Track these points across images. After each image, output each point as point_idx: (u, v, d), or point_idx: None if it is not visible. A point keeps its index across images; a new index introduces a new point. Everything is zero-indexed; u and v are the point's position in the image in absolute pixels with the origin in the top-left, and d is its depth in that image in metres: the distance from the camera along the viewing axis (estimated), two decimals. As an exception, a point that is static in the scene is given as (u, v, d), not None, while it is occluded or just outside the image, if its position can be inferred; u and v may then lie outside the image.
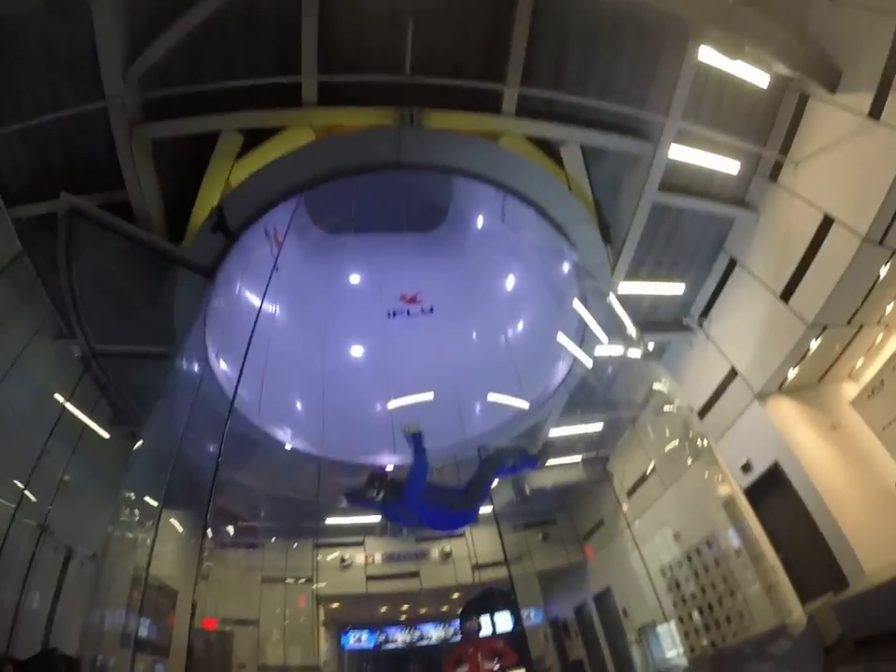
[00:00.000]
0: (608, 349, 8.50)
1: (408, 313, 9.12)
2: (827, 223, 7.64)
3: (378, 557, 13.02)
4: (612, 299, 8.00)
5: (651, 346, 9.48)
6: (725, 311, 9.69)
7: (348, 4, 6.62)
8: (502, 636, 10.45)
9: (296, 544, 12.07)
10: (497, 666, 6.60)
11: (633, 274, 9.08)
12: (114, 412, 9.57)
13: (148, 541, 6.45)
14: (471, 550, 12.02)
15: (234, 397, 6.76)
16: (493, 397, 9.68)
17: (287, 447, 9.83)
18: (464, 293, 9.31)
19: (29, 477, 7.56)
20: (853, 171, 7.23)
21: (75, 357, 8.42)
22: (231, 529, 10.65)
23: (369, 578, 12.72)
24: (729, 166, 8.19)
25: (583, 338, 8.67)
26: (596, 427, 11.11)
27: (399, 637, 13.43)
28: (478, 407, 9.99)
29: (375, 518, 12.25)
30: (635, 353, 8.11)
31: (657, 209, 8.32)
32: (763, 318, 8.90)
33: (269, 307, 8.34)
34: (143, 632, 6.49)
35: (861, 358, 9.56)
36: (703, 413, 10.16)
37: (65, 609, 7.91)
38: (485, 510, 10.05)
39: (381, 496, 4.56)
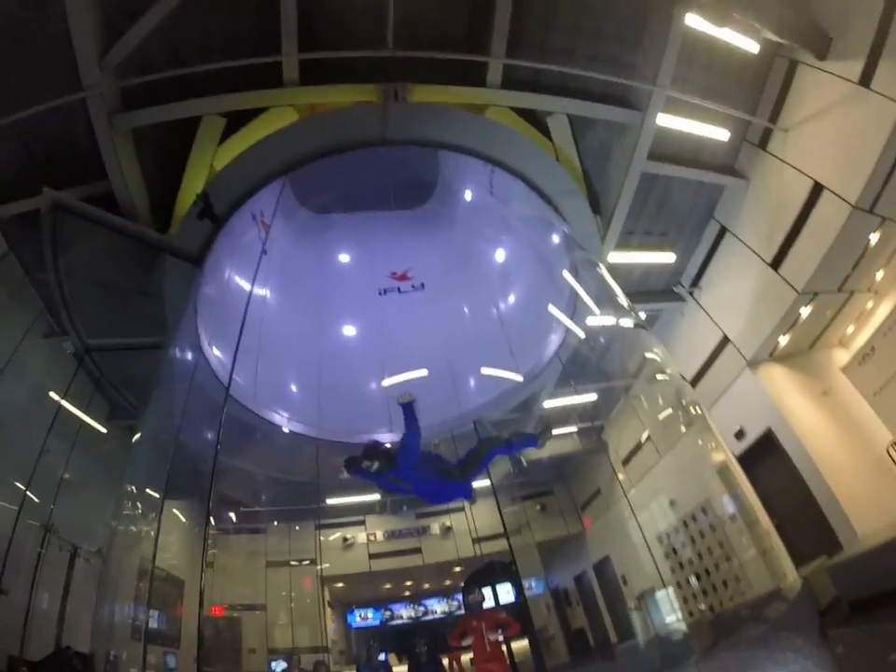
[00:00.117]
0: (599, 319, 8.47)
1: (399, 290, 9.09)
2: (817, 190, 7.64)
3: (380, 535, 13.20)
4: (603, 269, 7.96)
5: (642, 316, 9.52)
6: (716, 279, 9.72)
7: (327, -22, 6.47)
8: (505, 607, 10.64)
9: (298, 527, 12.20)
10: (501, 637, 6.69)
11: (623, 244, 9.04)
12: (110, 406, 9.55)
13: (152, 533, 6.46)
14: (471, 523, 12.12)
15: (230, 383, 6.75)
16: (487, 370, 9.73)
17: (285, 430, 9.85)
18: (455, 268, 9.28)
19: (30, 477, 7.55)
20: (843, 138, 7.21)
21: (68, 354, 8.37)
22: (233, 516, 10.69)
23: (371, 556, 12.89)
24: (718, 134, 8.14)
25: (575, 309, 8.70)
26: (590, 397, 11.12)
27: (405, 613, 13.62)
28: (472, 381, 10.05)
29: (375, 496, 12.37)
30: (626, 322, 8.09)
31: (646, 178, 8.28)
32: (753, 286, 8.94)
33: (260, 291, 8.28)
34: (153, 623, 6.52)
35: (852, 325, 9.68)
36: (695, 381, 10.25)
37: (75, 607, 7.97)
38: (484, 483, 10.16)
39: (376, 466, 4.57)
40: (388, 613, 13.58)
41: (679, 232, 9.56)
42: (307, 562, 11.94)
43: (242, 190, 7.18)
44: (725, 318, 9.69)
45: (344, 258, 9.57)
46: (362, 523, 13.21)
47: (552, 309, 8.95)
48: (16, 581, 7.00)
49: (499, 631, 6.60)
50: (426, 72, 7.01)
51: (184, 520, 8.82)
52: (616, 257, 9.03)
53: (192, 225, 6.98)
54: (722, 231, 9.42)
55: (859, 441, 8.79)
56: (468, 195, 8.91)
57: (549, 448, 11.82)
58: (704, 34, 7.01)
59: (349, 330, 9.91)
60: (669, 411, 8.92)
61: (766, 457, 9.05)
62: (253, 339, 6.88)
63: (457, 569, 13.25)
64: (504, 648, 7.04)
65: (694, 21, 6.83)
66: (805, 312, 8.74)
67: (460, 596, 13.13)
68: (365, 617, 13.60)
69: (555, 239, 8.56)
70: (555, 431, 11.38)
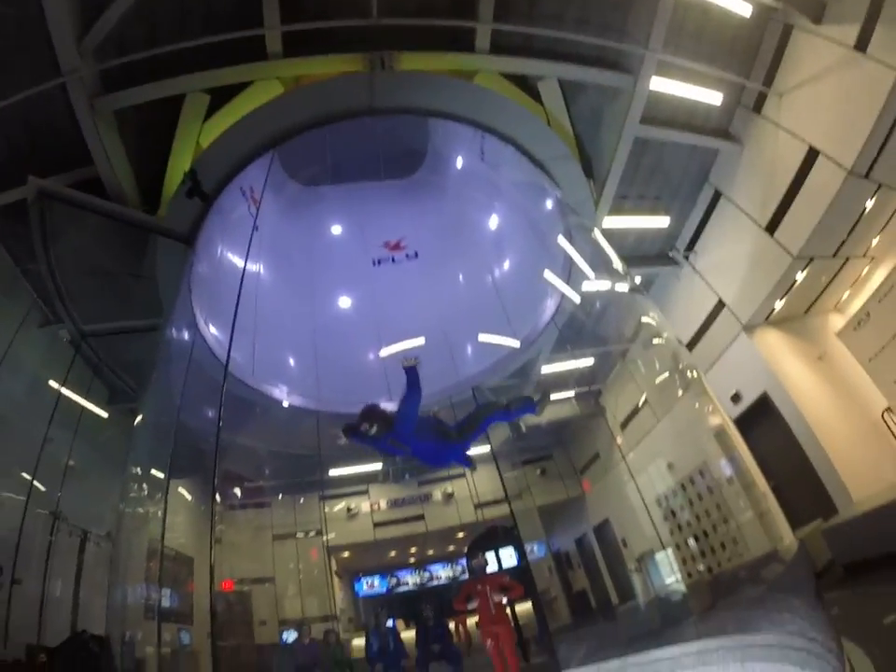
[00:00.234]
0: (595, 284, 8.43)
1: (393, 259, 9.04)
2: (812, 155, 7.60)
3: (383, 504, 13.35)
4: (597, 234, 7.94)
5: (637, 280, 9.51)
6: (711, 243, 9.70)
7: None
8: (508, 571, 10.87)
9: (302, 499, 12.33)
10: (505, 600, 6.84)
11: (617, 209, 9.03)
12: (110, 390, 9.59)
13: (160, 513, 6.53)
14: (472, 489, 12.30)
15: (228, 360, 6.73)
16: (483, 337, 9.75)
17: (285, 404, 9.89)
18: (448, 236, 9.20)
19: (35, 467, 7.62)
20: (839, 103, 7.13)
21: (64, 342, 8.36)
22: (238, 491, 10.82)
23: (376, 524, 13.06)
24: (712, 97, 8.03)
25: (570, 274, 8.66)
26: (587, 362, 11.20)
27: (410, 580, 13.89)
28: (469, 348, 10.07)
29: (377, 466, 12.51)
30: (622, 287, 8.09)
31: (639, 142, 8.20)
32: (749, 250, 8.94)
33: (253, 266, 8.23)
34: (165, 602, 6.65)
35: (848, 291, 9.72)
36: (691, 345, 10.33)
37: (88, 591, 8.13)
38: (484, 449, 10.29)
39: (374, 429, 4.59)
40: (394, 580, 13.85)
41: (674, 197, 9.50)
42: (313, 533, 12.10)
43: (230, 166, 7.06)
44: (721, 283, 9.72)
45: (336, 229, 9.47)
46: (366, 492, 13.34)
47: (547, 274, 8.91)
48: (29, 570, 7.12)
49: (503, 594, 6.71)
50: (412, 39, 6.87)
51: (189, 498, 8.93)
52: (610, 221, 9.01)
53: (181, 204, 6.89)
54: (717, 196, 9.37)
55: (854, 406, 8.91)
56: (458, 162, 8.79)
57: (547, 413, 11.89)
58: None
59: (344, 302, 9.89)
60: (666, 375, 8.94)
61: (762, 421, 9.18)
62: (248, 315, 6.85)
63: (460, 535, 13.48)
64: (508, 610, 7.19)
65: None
66: (800, 277, 8.77)
67: (464, 561, 13.40)
68: (372, 585, 13.86)
69: (549, 205, 8.50)
70: (553, 396, 11.52)
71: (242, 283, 6.68)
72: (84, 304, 7.76)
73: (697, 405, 7.73)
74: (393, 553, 14.16)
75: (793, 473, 8.61)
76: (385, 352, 9.10)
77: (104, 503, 8.30)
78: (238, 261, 8.10)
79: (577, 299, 8.90)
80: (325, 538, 12.11)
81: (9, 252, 7.26)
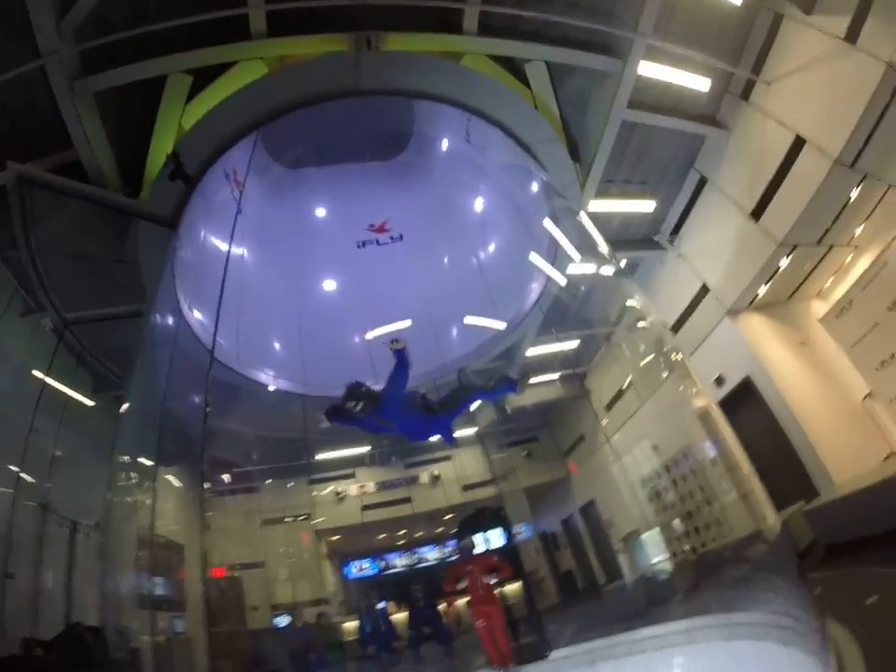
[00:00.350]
0: (580, 267, 8.49)
1: (378, 242, 8.91)
2: (799, 144, 7.66)
3: (371, 487, 13.37)
4: (583, 217, 7.93)
5: (623, 264, 9.56)
6: (696, 228, 9.78)
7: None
8: (496, 551, 11.01)
9: (291, 483, 12.31)
10: (494, 581, 6.94)
11: (603, 192, 9.03)
12: (95, 379, 9.45)
13: (148, 501, 6.51)
14: (459, 471, 12.40)
15: (213, 345, 6.70)
16: (469, 319, 9.76)
17: (271, 388, 9.87)
18: (433, 218, 9.16)
19: (22, 458, 7.51)
20: (827, 93, 7.18)
21: (47, 330, 8.20)
22: (226, 477, 10.78)
23: (364, 507, 13.09)
24: (700, 84, 8.03)
25: (556, 257, 8.70)
26: (572, 344, 11.31)
27: (399, 562, 13.98)
28: (455, 331, 10.10)
29: (364, 449, 12.54)
30: (607, 270, 8.13)
31: (626, 126, 8.19)
32: (733, 236, 9.03)
33: (237, 250, 8.13)
34: (157, 590, 6.64)
35: (831, 278, 9.85)
36: (675, 328, 10.44)
37: (81, 582, 8.09)
38: (470, 431, 10.34)
39: (360, 406, 4.61)
40: (384, 563, 13.93)
41: (660, 181, 9.53)
42: (302, 517, 12.16)
43: (213, 148, 6.95)
44: (705, 267, 9.81)
45: (321, 212, 9.36)
46: (353, 475, 13.36)
47: (532, 257, 8.93)
48: (21, 564, 7.08)
49: (492, 575, 6.80)
50: (399, 19, 6.76)
51: (178, 485, 8.87)
52: (596, 205, 9.00)
53: (164, 187, 6.76)
54: (703, 182, 9.42)
55: (835, 391, 9.10)
56: (444, 144, 8.73)
57: (532, 395, 12.14)
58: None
59: (329, 285, 9.83)
60: (650, 357, 9.05)
61: (745, 404, 9.34)
62: (233, 299, 6.79)
63: (448, 517, 13.57)
64: (497, 591, 7.29)
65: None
66: (784, 263, 8.88)
67: (452, 543, 13.53)
68: (361, 568, 13.93)
69: (535, 187, 8.48)
70: (538, 379, 11.63)
71: (226, 267, 6.62)
72: (66, 291, 7.61)
73: (681, 388, 7.82)
74: (382, 536, 14.18)
75: (776, 456, 8.77)
76: (370, 335, 9.08)
77: (92, 493, 8.16)
78: (222, 245, 7.99)
79: (562, 281, 8.94)
80: (314, 521, 12.17)
81: None
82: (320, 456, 12.13)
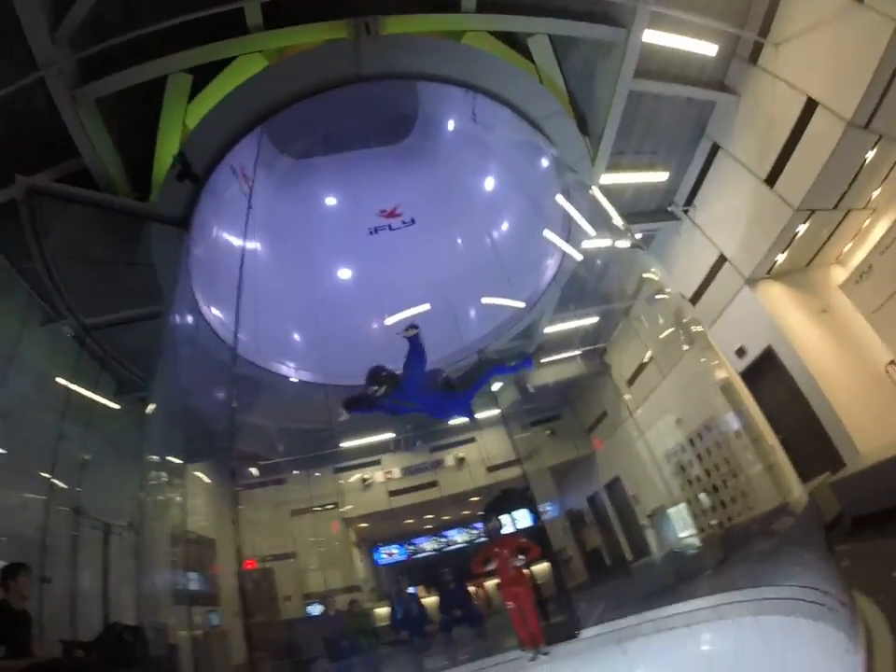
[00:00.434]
0: (595, 242, 8.38)
1: (390, 227, 8.95)
2: (811, 106, 7.46)
3: (396, 472, 13.40)
4: (595, 191, 7.82)
5: (638, 236, 9.41)
6: (710, 197, 9.60)
7: None
8: (523, 532, 11.06)
9: (317, 473, 12.48)
10: (522, 561, 6.97)
11: (614, 165, 8.88)
12: (117, 382, 9.60)
13: (179, 499, 6.64)
14: (483, 453, 12.41)
15: (235, 341, 6.73)
16: (486, 300, 9.73)
17: (293, 380, 9.96)
18: (444, 200, 9.11)
19: (53, 465, 7.66)
20: (837, 54, 6.97)
21: (68, 338, 8.35)
22: (254, 470, 10.94)
23: (391, 493, 13.16)
24: (706, 49, 7.84)
25: (570, 233, 8.59)
26: (591, 320, 11.23)
27: (428, 546, 14.11)
28: (472, 313, 10.07)
29: (389, 435, 12.61)
30: (622, 244, 8.02)
31: (634, 97, 8.01)
32: (748, 204, 8.85)
33: (250, 245, 8.17)
34: (192, 585, 6.78)
35: (850, 243, 9.63)
36: (694, 300, 10.29)
37: (116, 582, 8.23)
38: (493, 412, 10.35)
39: (382, 390, 4.71)
40: (412, 547, 14.06)
41: (671, 151, 9.35)
42: (330, 506, 12.33)
43: (219, 145, 6.95)
44: (721, 237, 9.64)
45: (331, 200, 9.36)
46: (378, 462, 13.41)
47: (546, 234, 8.85)
48: (56, 568, 7.19)
49: (520, 555, 6.83)
50: (397, 2, 6.69)
51: (207, 481, 9.05)
52: (607, 178, 8.86)
53: (173, 188, 6.81)
54: (715, 149, 9.23)
55: (858, 358, 8.92)
56: (450, 125, 8.64)
57: (553, 373, 12.08)
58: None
59: (344, 273, 9.85)
60: (670, 330, 8.93)
61: (768, 375, 9.21)
62: (250, 293, 6.84)
63: (474, 499, 13.64)
64: (526, 571, 7.32)
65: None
66: (801, 230, 8.68)
67: (480, 525, 13.60)
68: (391, 553, 14.08)
69: (545, 163, 8.38)
70: (558, 356, 11.59)
71: (242, 263, 6.66)
72: (84, 298, 7.71)
73: (703, 360, 7.72)
74: (410, 521, 14.29)
75: (800, 427, 8.65)
76: (389, 321, 9.09)
77: (122, 494, 8.36)
78: (235, 241, 8.05)
79: (578, 257, 8.84)
80: (342, 509, 12.32)
81: (3, 252, 7.22)
82: (345, 445, 12.23)
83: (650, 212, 10.27)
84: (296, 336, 9.99)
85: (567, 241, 8.70)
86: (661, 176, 9.51)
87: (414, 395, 4.90)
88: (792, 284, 9.55)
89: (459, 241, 9.71)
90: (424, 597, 9.89)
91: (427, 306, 8.80)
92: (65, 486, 7.89)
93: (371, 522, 13.63)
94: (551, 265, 9.34)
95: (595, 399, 13.07)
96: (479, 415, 11.44)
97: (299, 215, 9.02)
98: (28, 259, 6.99)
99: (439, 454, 13.53)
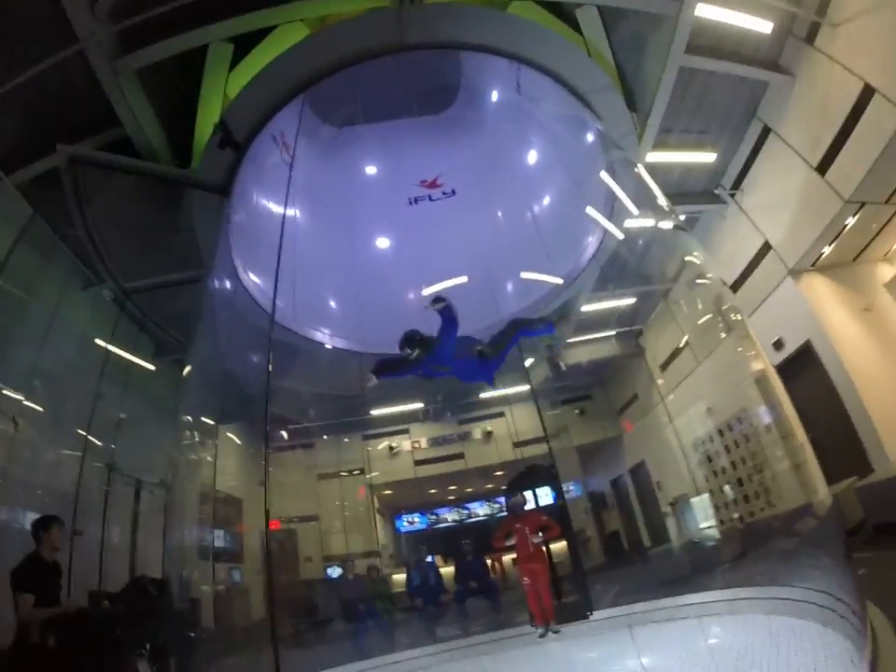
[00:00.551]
0: (638, 221, 8.16)
1: (430, 198, 8.83)
2: (868, 93, 7.02)
3: (424, 442, 13.62)
4: (641, 169, 7.57)
5: (682, 218, 9.15)
6: (759, 182, 9.21)
7: None
8: (545, 509, 11.15)
9: (346, 439, 12.78)
10: (541, 538, 7.05)
11: (661, 143, 8.62)
12: (155, 344, 9.91)
13: (210, 458, 6.89)
14: (511, 428, 12.46)
15: (274, 307, 6.83)
16: (526, 274, 9.65)
17: (328, 347, 10.11)
18: (485, 171, 8.97)
19: (89, 423, 7.99)
20: None
21: (109, 301, 8.64)
22: (284, 433, 11.24)
23: (416, 463, 13.36)
24: (761, 26, 7.43)
25: (613, 210, 8.42)
26: (629, 301, 11.08)
27: (449, 517, 14.35)
28: (510, 286, 10.01)
29: (418, 405, 12.77)
30: (666, 225, 7.81)
31: (684, 73, 7.67)
32: (797, 191, 8.48)
33: (290, 211, 8.26)
34: (218, 543, 7.05)
35: (899, 240, 9.09)
36: (735, 287, 9.98)
37: (145, 537, 8.64)
38: (523, 388, 10.36)
39: (416, 353, 4.84)
40: (434, 517, 14.33)
41: (721, 131, 8.99)
42: (356, 472, 12.62)
43: (260, 114, 6.96)
44: (768, 224, 9.27)
45: (371, 169, 9.32)
46: (407, 431, 13.62)
47: (589, 210, 8.69)
48: (88, 522, 7.55)
49: (540, 533, 6.91)
50: (441, -30, 6.47)
51: (238, 442, 9.33)
52: (654, 156, 8.63)
53: (214, 156, 6.88)
54: (766, 131, 8.81)
55: (899, 362, 8.52)
56: (494, 96, 8.46)
57: (587, 352, 11.99)
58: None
59: (383, 243, 9.87)
60: (709, 316, 8.73)
61: (804, 370, 8.92)
62: (288, 260, 6.95)
63: (499, 473, 13.76)
64: (544, 549, 7.42)
65: None
66: (850, 222, 8.29)
67: (502, 499, 13.75)
68: (412, 522, 14.38)
69: (590, 138, 8.18)
70: (593, 335, 11.49)
71: (282, 231, 6.72)
72: (124, 263, 7.93)
73: (740, 349, 7.54)
74: (433, 491, 14.57)
75: (831, 426, 8.38)
76: (426, 291, 9.12)
77: (155, 452, 8.75)
78: (275, 208, 8.12)
79: (620, 236, 8.68)
80: (368, 475, 12.59)
81: (46, 219, 7.39)
82: (375, 413, 12.48)
83: (696, 193, 9.97)
84: (332, 304, 10.11)
85: (610, 219, 8.54)
86: (709, 157, 9.18)
87: (448, 360, 5.02)
88: (837, 278, 9.17)
89: (499, 214, 9.58)
90: (441, 567, 10.09)
91: (464, 278, 8.75)
92: (100, 444, 8.24)
93: (395, 490, 13.90)
94: (591, 242, 9.19)
95: (627, 382, 12.95)
96: (509, 390, 11.51)
97: (339, 183, 9.01)
98: (70, 225, 7.19)
99: (467, 426, 13.67)
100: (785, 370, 9.02)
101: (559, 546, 8.82)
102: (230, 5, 6.28)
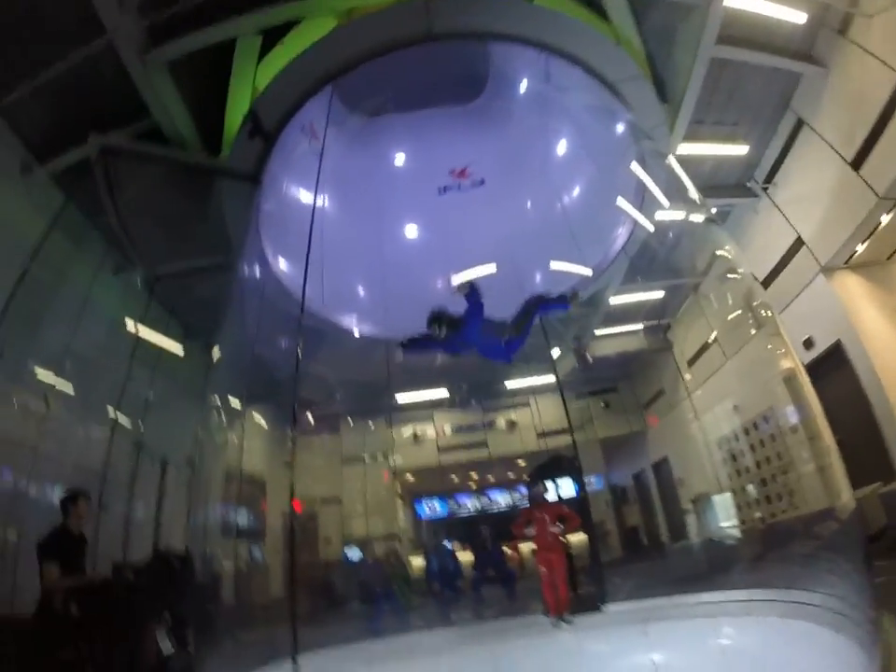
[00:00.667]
0: (668, 214, 8.10)
1: (459, 187, 8.84)
2: None
3: (447, 430, 13.76)
4: (672, 161, 7.52)
5: (713, 211, 9.00)
6: (792, 176, 9.02)
7: None
8: (566, 501, 11.16)
9: (371, 424, 12.90)
10: (561, 530, 7.08)
11: (692, 135, 8.50)
12: (184, 328, 10.15)
13: (236, 439, 7.07)
14: (536, 418, 12.48)
15: (304, 294, 6.93)
16: (555, 265, 9.59)
17: (355, 334, 10.24)
18: (515, 162, 8.89)
19: (118, 402, 8.26)
20: None
21: (139, 286, 8.86)
22: (310, 417, 11.46)
23: (440, 450, 13.51)
24: (794, 16, 7.27)
25: (643, 202, 8.31)
26: (658, 294, 10.97)
27: (470, 504, 14.44)
28: (538, 277, 9.94)
29: (443, 393, 12.85)
30: (697, 217, 7.71)
31: (716, 63, 7.57)
32: (831, 186, 8.27)
33: (319, 200, 8.37)
34: (240, 521, 7.24)
35: (935, 240, 8.72)
36: (766, 283, 9.79)
37: (169, 513, 8.80)
38: (549, 378, 10.35)
39: (444, 332, 5.00)
40: (455, 504, 14.44)
41: (753, 123, 8.82)
42: (380, 457, 12.73)
43: (289, 104, 7.03)
44: (800, 219, 9.06)
45: (400, 158, 9.30)
46: (431, 418, 13.76)
47: (619, 202, 8.58)
48: (115, 497, 7.81)
49: (560, 523, 6.95)
50: (468, -39, 6.42)
51: (264, 425, 9.55)
52: (685, 148, 8.52)
53: (244, 145, 6.99)
54: (800, 124, 8.62)
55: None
56: (523, 86, 8.40)
57: (614, 345, 11.88)
58: None
59: (411, 231, 9.87)
60: (739, 312, 8.60)
61: (833, 371, 8.71)
62: (317, 248, 7.05)
63: (522, 463, 13.78)
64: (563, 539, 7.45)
65: None
66: (884, 220, 8.03)
67: (523, 489, 13.78)
68: (433, 508, 14.52)
69: (620, 129, 8.09)
70: (621, 328, 11.40)
71: (313, 218, 6.81)
72: (155, 248, 8.12)
73: (769, 346, 7.40)
74: (455, 478, 14.69)
75: (858, 429, 8.14)
76: (454, 280, 9.16)
77: (182, 432, 8.93)
78: (304, 197, 8.23)
79: (650, 228, 8.57)
80: (392, 461, 12.75)
81: (78, 207, 7.62)
82: (400, 399, 12.52)
83: (728, 186, 9.82)
84: (360, 291, 10.18)
85: (640, 210, 8.43)
86: (741, 149, 9.02)
87: (474, 338, 5.23)
88: (870, 277, 8.89)
89: (528, 204, 9.52)
90: (459, 553, 10.20)
91: (492, 267, 8.76)
92: (129, 424, 8.50)
93: (417, 476, 14.05)
94: (621, 234, 9.10)
95: (653, 376, 12.84)
96: (534, 381, 11.51)
97: (368, 172, 9.04)
98: (102, 213, 7.38)
99: (491, 415, 13.72)
100: (814, 369, 8.81)
101: (578, 538, 8.84)
102: (258, -2, 6.36)
